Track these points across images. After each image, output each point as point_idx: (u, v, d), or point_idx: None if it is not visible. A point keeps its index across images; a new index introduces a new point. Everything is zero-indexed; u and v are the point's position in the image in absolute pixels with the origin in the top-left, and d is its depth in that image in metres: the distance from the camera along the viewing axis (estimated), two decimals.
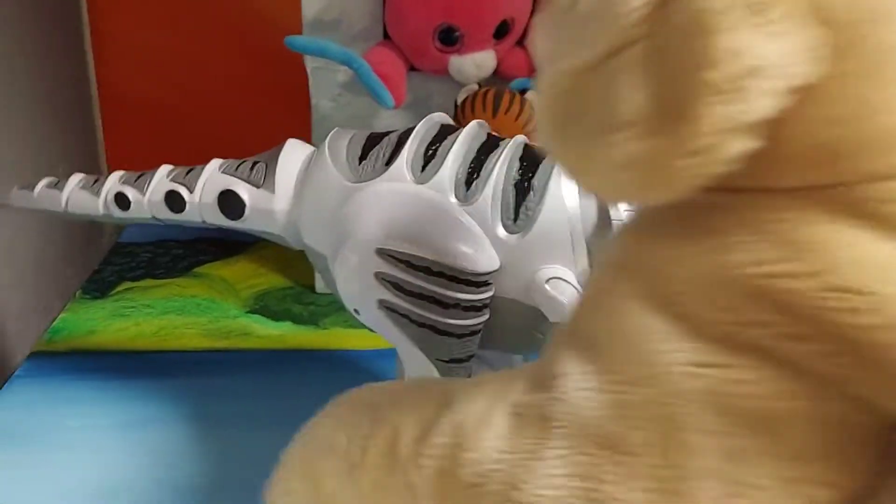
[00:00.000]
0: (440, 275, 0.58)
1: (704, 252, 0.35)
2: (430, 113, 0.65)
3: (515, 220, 0.60)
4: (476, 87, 0.87)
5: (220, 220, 0.68)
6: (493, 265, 0.59)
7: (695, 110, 0.31)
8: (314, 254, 0.65)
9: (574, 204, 0.59)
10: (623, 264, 0.39)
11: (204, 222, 0.69)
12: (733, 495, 0.34)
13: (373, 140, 0.63)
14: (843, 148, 0.32)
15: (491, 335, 0.62)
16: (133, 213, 0.70)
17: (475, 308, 0.59)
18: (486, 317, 0.60)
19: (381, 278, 0.59)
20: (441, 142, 0.61)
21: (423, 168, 0.61)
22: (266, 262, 1.06)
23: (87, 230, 1.12)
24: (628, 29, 0.33)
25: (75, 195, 0.72)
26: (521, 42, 0.88)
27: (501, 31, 0.86)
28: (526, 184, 0.60)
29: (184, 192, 0.68)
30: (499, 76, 0.88)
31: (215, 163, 0.68)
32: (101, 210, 0.71)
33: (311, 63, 0.90)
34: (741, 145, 0.32)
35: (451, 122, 0.65)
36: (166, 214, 0.69)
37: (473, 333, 0.60)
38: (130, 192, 0.70)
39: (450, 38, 0.85)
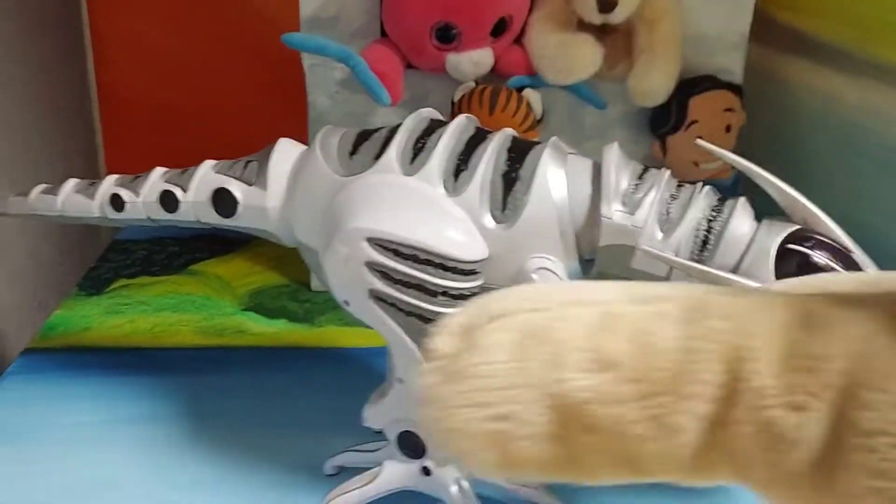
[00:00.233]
0: (428, 263, 0.58)
1: None
2: None
3: (503, 210, 0.60)
4: (473, 84, 0.87)
5: (214, 219, 0.68)
6: (480, 254, 0.59)
7: None
8: (306, 250, 0.65)
9: (561, 195, 0.60)
10: None
11: (198, 221, 0.69)
12: None
13: (363, 136, 0.63)
14: None
15: None
16: (128, 214, 0.71)
17: (463, 297, 0.59)
18: None
19: (371, 267, 0.59)
20: (430, 135, 0.62)
21: (412, 160, 0.61)
22: (262, 259, 1.06)
23: (84, 228, 1.12)
24: None
25: (71, 199, 0.72)
26: (518, 40, 0.88)
27: (499, 29, 0.86)
28: (513, 175, 0.60)
29: (178, 192, 0.68)
30: (496, 74, 0.88)
31: (208, 163, 0.69)
32: (96, 212, 0.71)
33: (307, 60, 0.90)
34: None
35: (440, 117, 0.65)
36: (161, 215, 0.70)
37: None
38: (125, 194, 0.70)
39: (447, 36, 0.85)
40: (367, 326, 0.62)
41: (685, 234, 0.58)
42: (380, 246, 0.59)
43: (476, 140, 0.62)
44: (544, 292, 0.38)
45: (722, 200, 0.60)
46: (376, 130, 0.64)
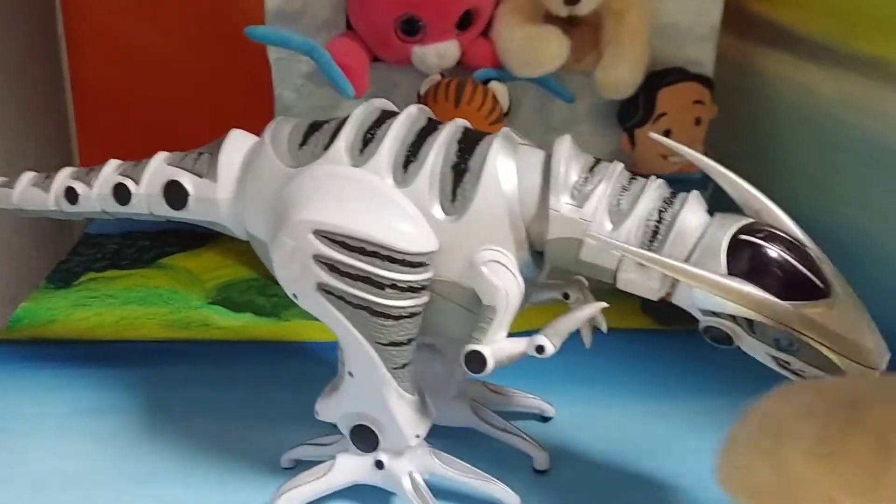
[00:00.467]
0: (375, 255, 0.58)
1: None
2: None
3: (453, 201, 0.59)
4: (439, 77, 0.86)
5: (166, 211, 0.68)
6: (429, 246, 0.59)
7: None
8: (258, 243, 0.65)
9: (511, 186, 0.59)
10: None
11: (151, 214, 0.69)
12: None
13: (314, 127, 0.63)
14: None
15: (433, 319, 0.61)
16: (82, 206, 0.71)
17: (412, 289, 0.59)
18: (425, 299, 0.60)
19: (318, 260, 0.58)
20: (380, 126, 0.61)
21: (361, 151, 0.60)
22: (232, 254, 1.05)
23: (57, 222, 1.11)
24: None
25: (27, 192, 0.72)
26: (485, 33, 0.88)
27: (465, 22, 0.85)
28: (463, 166, 0.59)
29: (130, 184, 0.68)
30: (463, 66, 0.88)
31: (161, 155, 0.68)
32: (52, 206, 0.72)
33: (273, 54, 0.90)
34: None
35: (392, 107, 0.65)
36: (114, 207, 0.69)
37: (412, 316, 0.60)
38: (79, 187, 0.70)
39: (412, 29, 0.84)
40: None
41: (634, 225, 0.57)
42: (326, 238, 0.58)
43: (427, 131, 0.61)
44: None
45: (674, 193, 0.59)
46: (328, 121, 0.63)
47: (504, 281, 0.58)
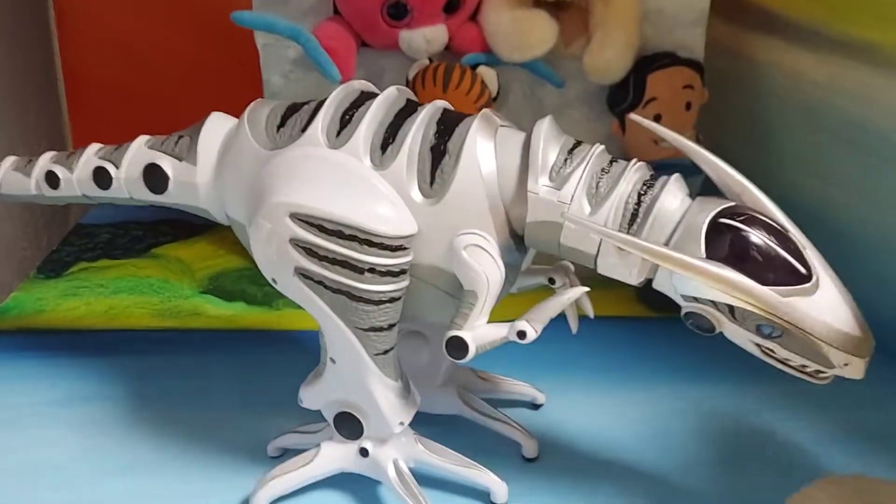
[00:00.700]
0: (353, 238, 0.57)
1: None
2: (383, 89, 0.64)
3: (431, 184, 0.59)
4: (427, 62, 0.86)
5: (146, 195, 0.67)
6: (408, 229, 0.58)
7: None
8: (238, 227, 0.64)
9: (490, 168, 0.58)
10: None
11: (131, 198, 0.68)
12: None
13: (292, 109, 0.62)
14: None
15: (415, 304, 0.61)
16: (63, 191, 0.70)
17: (392, 274, 0.58)
18: (405, 283, 0.59)
19: (295, 244, 0.58)
20: (358, 107, 0.60)
21: (339, 133, 0.60)
22: (226, 243, 1.05)
23: (51, 212, 1.11)
24: None
25: (8, 177, 0.72)
26: (473, 17, 0.87)
27: (452, 6, 0.85)
28: (442, 147, 0.59)
29: (110, 168, 0.68)
30: (451, 51, 0.87)
31: (142, 139, 0.68)
32: (33, 190, 0.71)
33: (261, 40, 0.89)
34: None
35: (373, 89, 0.64)
36: (95, 191, 0.69)
37: (392, 300, 0.59)
38: (60, 171, 0.70)
39: (399, 13, 0.84)
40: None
41: (613, 208, 0.56)
42: (303, 221, 0.57)
43: (406, 112, 0.61)
44: None
45: (655, 176, 0.58)
46: (306, 103, 0.62)
47: (485, 265, 0.57)
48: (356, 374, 0.61)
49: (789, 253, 0.54)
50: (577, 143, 0.59)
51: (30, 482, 0.69)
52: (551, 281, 0.67)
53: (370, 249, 0.57)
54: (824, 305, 0.54)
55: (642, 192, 0.57)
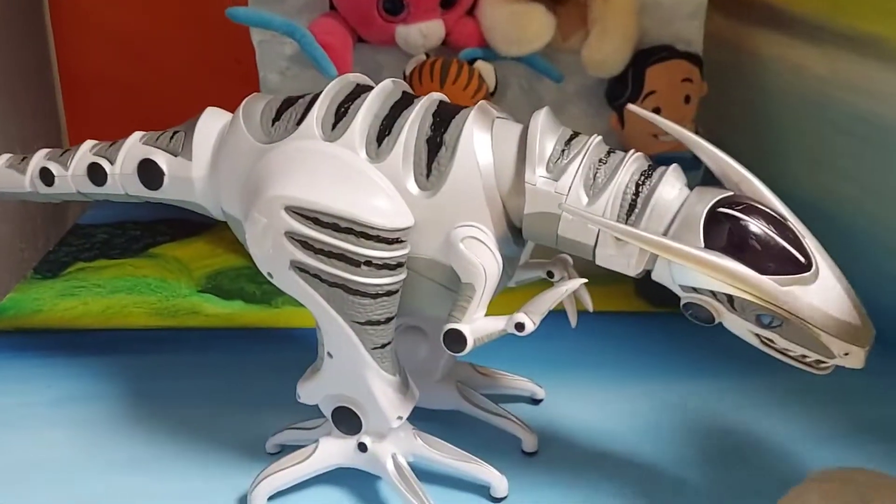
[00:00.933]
0: (349, 231, 0.56)
1: None
2: None
3: (427, 176, 0.58)
4: (424, 57, 0.85)
5: (141, 191, 0.67)
6: (405, 222, 0.58)
7: None
8: (234, 222, 0.64)
9: (487, 160, 0.58)
10: None
11: (127, 194, 0.68)
12: None
13: (288, 102, 0.62)
14: None
15: (412, 298, 0.61)
16: (58, 188, 0.70)
17: (388, 267, 0.58)
18: (402, 276, 0.59)
19: (291, 237, 0.57)
20: (354, 100, 0.60)
21: (334, 126, 0.59)
22: (224, 242, 1.04)
23: (49, 212, 1.11)
24: None
25: (2, 174, 0.72)
26: (471, 11, 0.86)
27: (449, 0, 0.84)
28: (438, 139, 0.58)
29: (105, 164, 0.67)
30: (448, 46, 0.86)
31: (137, 135, 0.67)
32: (27, 187, 0.71)
33: (257, 36, 0.89)
34: None
35: (368, 82, 0.63)
36: (89, 188, 0.69)
37: (389, 294, 0.59)
38: (54, 168, 0.69)
39: (395, 8, 0.83)
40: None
41: (611, 199, 0.56)
42: (299, 215, 0.57)
43: (401, 105, 0.60)
44: None
45: (653, 167, 0.58)
46: (301, 97, 0.62)
47: (482, 258, 0.57)
48: (354, 369, 0.61)
49: (788, 242, 0.54)
50: (575, 134, 0.59)
51: (28, 482, 0.69)
52: (550, 274, 0.67)
53: (366, 242, 0.57)
54: (824, 294, 0.53)
55: (640, 183, 0.56)
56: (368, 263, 0.57)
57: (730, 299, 0.54)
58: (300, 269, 0.58)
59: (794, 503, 0.56)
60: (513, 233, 0.59)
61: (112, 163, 0.67)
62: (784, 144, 0.94)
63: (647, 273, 0.58)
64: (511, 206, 0.58)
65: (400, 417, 0.63)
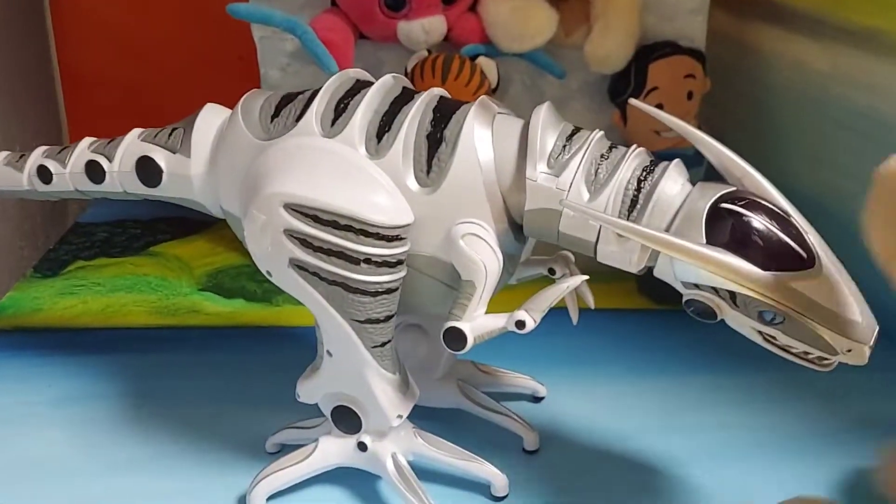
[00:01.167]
0: (348, 228, 0.56)
1: None
2: None
3: (428, 172, 0.58)
4: (426, 53, 0.85)
5: (140, 189, 0.66)
6: (405, 219, 0.57)
7: None
8: (233, 219, 0.63)
9: (487, 156, 0.57)
10: None
11: (125, 192, 0.68)
12: None
13: (287, 98, 0.62)
14: None
15: (412, 296, 0.60)
16: (56, 186, 0.69)
17: (388, 264, 0.57)
18: (402, 274, 0.58)
19: (289, 235, 0.57)
20: (354, 96, 0.59)
21: (333, 122, 0.59)
22: (224, 241, 1.04)
23: (49, 211, 1.11)
24: None
25: (0, 172, 0.71)
26: (473, 7, 0.86)
27: None
28: (438, 135, 0.58)
29: (103, 161, 0.67)
30: (451, 42, 0.86)
31: (135, 132, 0.67)
32: (25, 185, 0.70)
33: (258, 32, 0.88)
34: None
35: (368, 77, 0.63)
36: (88, 186, 0.68)
37: (389, 292, 0.58)
38: (52, 165, 0.69)
39: (397, 4, 0.83)
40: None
41: (613, 195, 0.56)
42: (297, 212, 0.57)
43: (402, 100, 0.60)
44: None
45: (655, 162, 0.57)
46: (301, 93, 0.62)
47: (482, 255, 0.57)
48: (353, 368, 0.61)
49: (791, 238, 0.53)
50: (576, 130, 0.58)
51: (27, 480, 0.68)
52: (551, 271, 0.66)
53: (365, 240, 0.56)
54: (826, 291, 0.53)
55: (642, 178, 0.56)
56: (368, 261, 0.57)
57: (732, 296, 0.53)
58: (299, 266, 0.58)
59: None
60: (514, 229, 0.59)
61: (110, 160, 0.66)
62: (785, 140, 0.94)
63: (650, 270, 0.57)
64: (512, 202, 0.58)
65: (400, 416, 0.62)
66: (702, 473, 0.69)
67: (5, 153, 0.71)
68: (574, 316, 0.65)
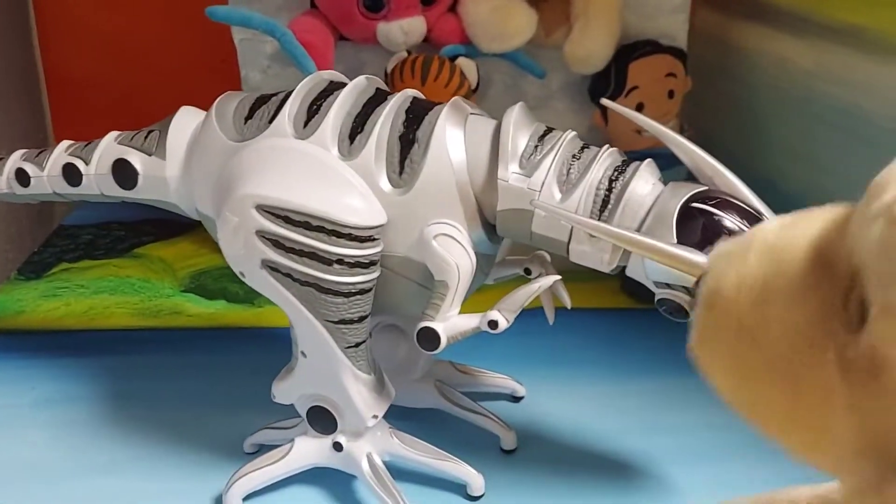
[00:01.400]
0: (320, 229, 0.56)
1: None
2: None
3: (400, 173, 0.58)
4: (406, 54, 0.85)
5: (116, 192, 0.66)
6: (377, 220, 0.57)
7: None
8: (208, 221, 0.63)
9: (459, 157, 0.57)
10: None
11: (102, 194, 0.68)
12: None
13: (261, 100, 0.62)
14: None
15: (387, 296, 0.60)
16: (34, 189, 0.69)
17: (361, 265, 0.57)
18: (375, 275, 0.58)
19: (262, 236, 0.57)
20: (327, 97, 0.59)
21: (306, 123, 0.59)
22: (208, 242, 1.03)
23: (35, 214, 1.11)
24: None
25: None
26: (452, 8, 0.86)
27: None
28: (411, 136, 0.58)
29: (80, 164, 0.67)
30: (430, 43, 0.86)
31: (112, 134, 0.67)
32: (3, 188, 0.71)
33: (238, 35, 0.88)
34: None
35: (343, 79, 0.63)
36: (65, 188, 0.68)
37: (362, 292, 0.58)
38: (30, 168, 0.69)
39: (375, 5, 0.82)
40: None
41: (584, 194, 0.56)
42: (270, 213, 0.57)
43: (375, 101, 0.60)
44: None
45: (627, 162, 0.57)
46: (275, 94, 0.62)
47: (455, 255, 0.57)
48: (328, 368, 0.61)
49: None
50: (549, 130, 0.58)
51: (9, 482, 0.69)
52: (527, 271, 0.66)
53: (338, 241, 0.56)
54: None
55: (613, 178, 0.56)
56: (340, 262, 0.57)
57: None
58: (272, 268, 0.58)
59: None
60: (488, 230, 0.59)
61: (87, 163, 0.66)
62: (769, 138, 0.93)
63: (623, 269, 0.57)
64: (485, 202, 0.58)
65: (375, 416, 0.63)
66: (681, 472, 0.68)
67: None
68: (550, 316, 0.65)
